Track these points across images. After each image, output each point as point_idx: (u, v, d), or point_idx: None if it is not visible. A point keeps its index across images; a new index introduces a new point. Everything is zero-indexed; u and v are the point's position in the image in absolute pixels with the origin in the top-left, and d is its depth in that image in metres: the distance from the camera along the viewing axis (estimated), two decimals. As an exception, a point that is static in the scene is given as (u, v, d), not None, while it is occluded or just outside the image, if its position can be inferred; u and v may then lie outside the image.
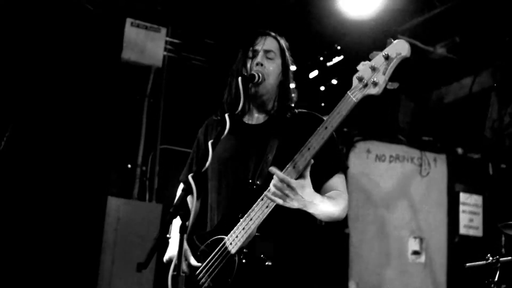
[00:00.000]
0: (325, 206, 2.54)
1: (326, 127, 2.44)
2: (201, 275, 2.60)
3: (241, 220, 2.53)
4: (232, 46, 2.92)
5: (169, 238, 2.23)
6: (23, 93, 5.93)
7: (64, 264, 5.81)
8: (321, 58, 6.91)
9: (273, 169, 2.42)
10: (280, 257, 2.55)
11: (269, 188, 2.44)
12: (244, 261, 2.51)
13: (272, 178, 2.44)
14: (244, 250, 2.52)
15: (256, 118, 2.84)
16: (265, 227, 2.51)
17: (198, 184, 2.24)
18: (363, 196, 6.76)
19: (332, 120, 2.44)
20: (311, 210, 2.49)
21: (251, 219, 2.50)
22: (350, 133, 6.86)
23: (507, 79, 6.61)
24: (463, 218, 7.03)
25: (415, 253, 6.83)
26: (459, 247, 6.92)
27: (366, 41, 5.82)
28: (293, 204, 2.43)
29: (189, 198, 2.28)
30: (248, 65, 2.76)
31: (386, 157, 6.93)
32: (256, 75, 2.67)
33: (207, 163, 2.31)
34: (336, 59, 6.80)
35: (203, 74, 6.89)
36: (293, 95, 2.87)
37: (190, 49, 7.00)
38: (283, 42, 2.89)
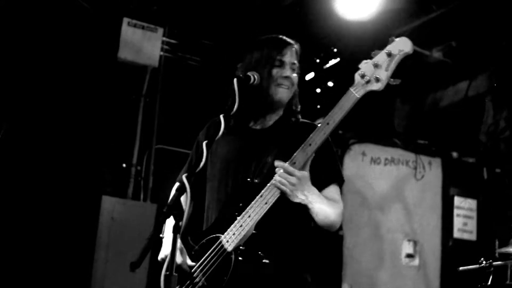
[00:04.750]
0: (323, 204, 2.57)
1: (328, 123, 2.49)
2: (195, 274, 2.57)
3: (238, 218, 2.52)
4: (229, 47, 2.91)
5: (162, 237, 2.21)
6: (18, 91, 5.92)
7: (58, 264, 5.79)
8: (318, 60, 6.91)
9: (277, 162, 2.48)
10: (277, 255, 2.54)
11: (274, 177, 2.48)
12: (240, 258, 2.48)
13: (270, 177, 2.48)
14: (241, 247, 2.49)
15: (263, 123, 2.83)
16: (262, 225, 2.50)
17: (192, 184, 2.24)
18: (358, 198, 6.75)
19: (334, 116, 2.48)
20: (311, 204, 2.51)
21: (249, 216, 2.49)
22: (345, 136, 6.85)
23: (503, 84, 6.62)
24: (457, 222, 7.03)
25: (409, 256, 6.83)
26: (453, 250, 6.92)
27: (362, 44, 5.82)
28: (297, 194, 2.47)
29: (182, 198, 2.28)
30: (274, 74, 2.73)
31: (381, 160, 6.92)
32: (252, 76, 2.64)
33: (201, 163, 2.31)
34: (333, 62, 6.81)
35: (199, 74, 6.89)
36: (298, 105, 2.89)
37: (186, 49, 6.98)
38: (299, 52, 2.87)
